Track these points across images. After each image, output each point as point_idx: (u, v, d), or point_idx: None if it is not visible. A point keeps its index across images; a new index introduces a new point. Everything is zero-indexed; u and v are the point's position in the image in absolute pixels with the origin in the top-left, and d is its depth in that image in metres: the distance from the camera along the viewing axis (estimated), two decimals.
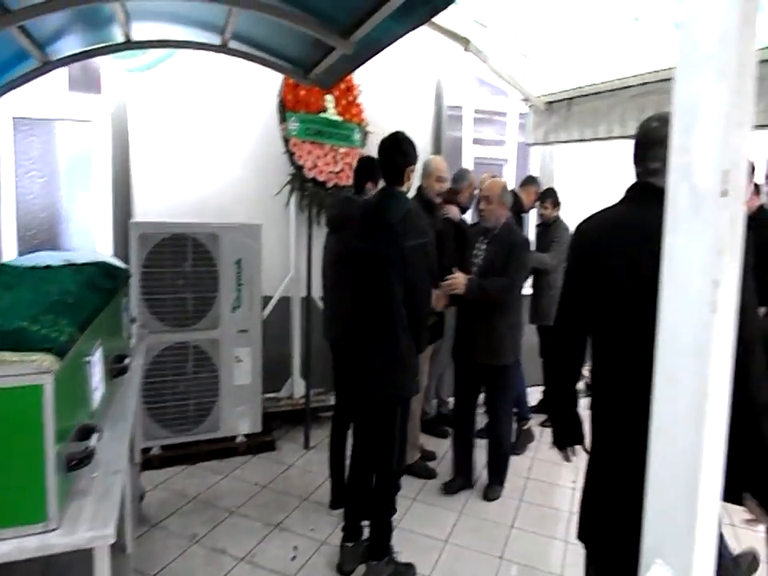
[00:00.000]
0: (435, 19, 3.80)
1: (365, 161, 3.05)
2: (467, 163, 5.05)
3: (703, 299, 0.74)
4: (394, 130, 2.54)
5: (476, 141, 5.24)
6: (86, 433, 1.37)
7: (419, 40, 3.90)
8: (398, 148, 2.43)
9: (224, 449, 3.55)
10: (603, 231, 1.53)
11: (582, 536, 1.63)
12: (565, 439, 1.74)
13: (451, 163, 4.73)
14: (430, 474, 3.44)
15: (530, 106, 4.49)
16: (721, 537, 2.35)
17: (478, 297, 2.94)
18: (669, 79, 3.22)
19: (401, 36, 2.21)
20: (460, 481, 3.27)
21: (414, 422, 3.45)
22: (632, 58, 3.26)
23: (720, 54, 0.75)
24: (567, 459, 1.77)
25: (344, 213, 2.85)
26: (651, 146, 1.43)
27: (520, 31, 3.63)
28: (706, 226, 0.74)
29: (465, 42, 4.13)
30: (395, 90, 4.28)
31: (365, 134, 3.98)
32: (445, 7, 1.79)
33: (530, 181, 4.19)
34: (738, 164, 0.75)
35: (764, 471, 1.34)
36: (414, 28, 2.08)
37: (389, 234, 2.34)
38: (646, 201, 1.42)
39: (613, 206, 1.57)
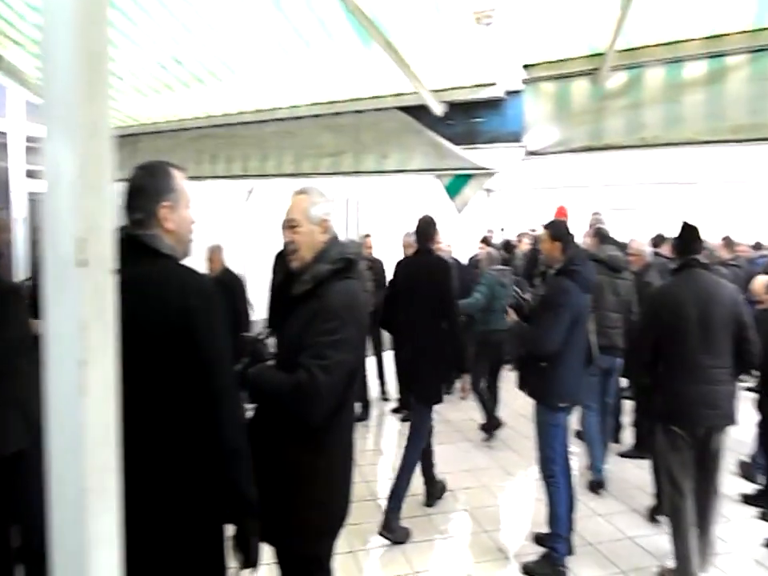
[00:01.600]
0: None
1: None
2: (20, 199, 4.30)
3: (72, 381, 0.68)
4: None
5: (29, 174, 4.50)
6: None
7: None
8: None
9: None
10: None
11: None
12: None
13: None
14: None
15: None
16: None
17: None
18: (222, 125, 3.41)
19: None
20: None
21: None
22: (188, 102, 3.27)
23: (69, 119, 0.71)
24: None
25: None
26: (134, 195, 1.34)
27: None
28: (69, 300, 0.69)
29: None
30: None
31: None
32: None
33: None
34: (99, 231, 0.72)
35: (236, 513, 1.33)
36: None
37: None
38: (132, 257, 1.19)
39: None
